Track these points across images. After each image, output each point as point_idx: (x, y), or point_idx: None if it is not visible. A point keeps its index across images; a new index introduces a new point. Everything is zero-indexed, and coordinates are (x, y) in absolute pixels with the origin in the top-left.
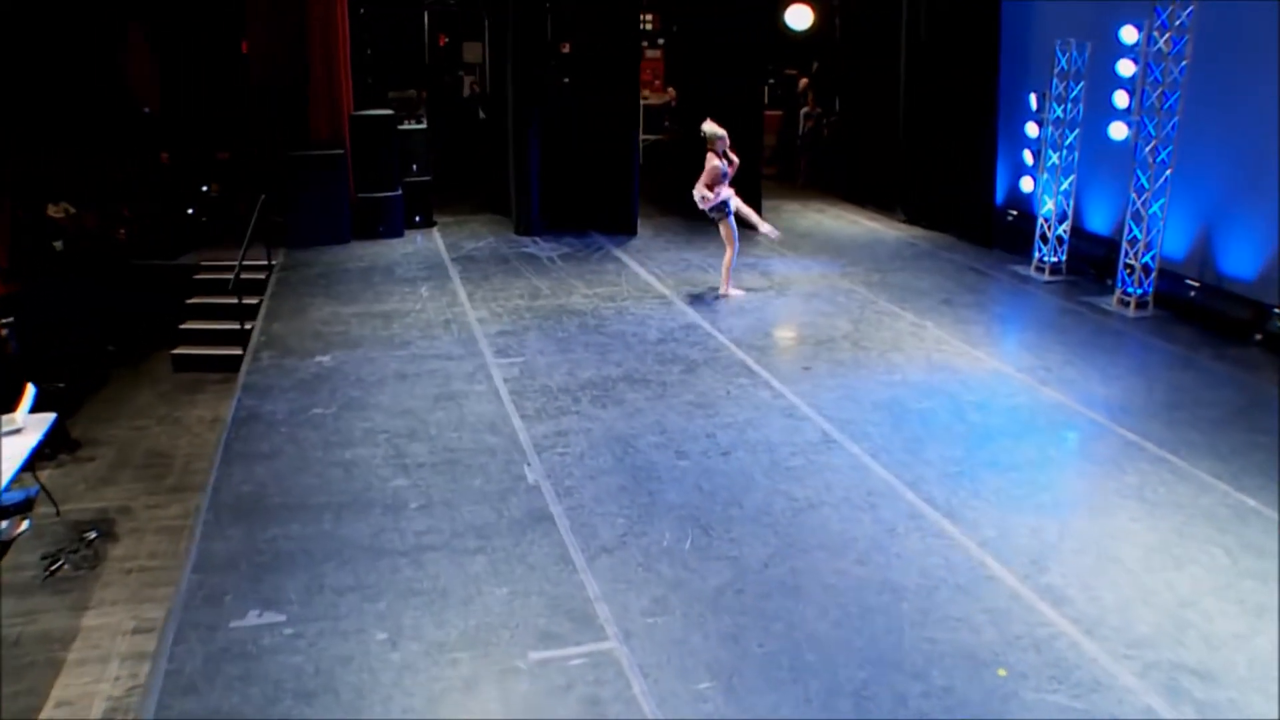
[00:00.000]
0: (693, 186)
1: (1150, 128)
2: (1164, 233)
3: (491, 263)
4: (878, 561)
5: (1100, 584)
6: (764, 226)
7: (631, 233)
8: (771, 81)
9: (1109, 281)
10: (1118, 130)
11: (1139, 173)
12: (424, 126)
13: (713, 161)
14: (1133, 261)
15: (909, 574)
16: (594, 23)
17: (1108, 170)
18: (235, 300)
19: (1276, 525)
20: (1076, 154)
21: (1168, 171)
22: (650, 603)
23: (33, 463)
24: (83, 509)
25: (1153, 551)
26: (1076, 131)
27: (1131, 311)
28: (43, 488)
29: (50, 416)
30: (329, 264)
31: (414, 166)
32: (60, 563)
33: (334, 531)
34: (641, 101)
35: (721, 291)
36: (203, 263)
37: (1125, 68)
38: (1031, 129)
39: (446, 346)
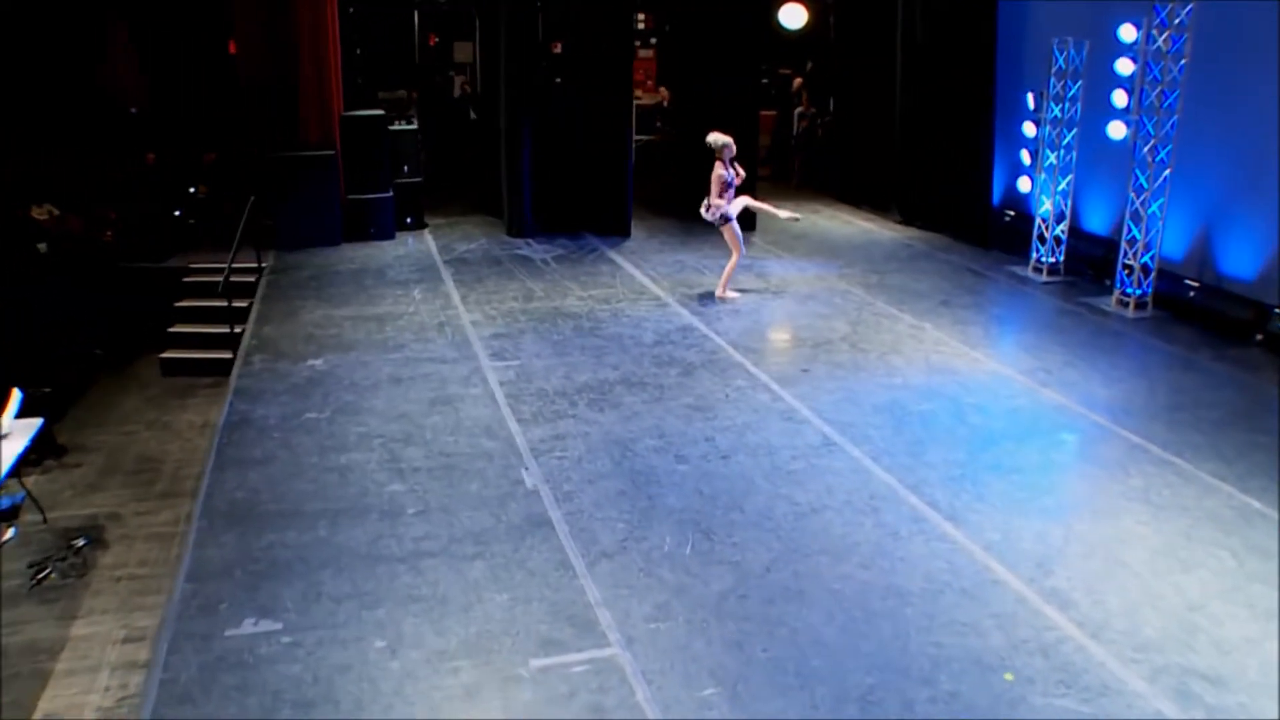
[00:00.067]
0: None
1: (1149, 127)
2: (1163, 233)
3: (484, 265)
4: (881, 566)
5: (1106, 588)
6: (784, 213)
7: (625, 234)
8: (765, 81)
9: (1107, 282)
10: (1116, 129)
11: (1138, 172)
12: (415, 127)
13: (718, 171)
14: (1132, 262)
15: (913, 578)
16: (586, 22)
17: (1106, 170)
18: (225, 303)
19: (1277, 527)
20: (1074, 154)
21: (1167, 171)
22: (652, 608)
23: (19, 469)
24: (70, 516)
25: (1159, 555)
26: (1074, 131)
27: (1131, 312)
28: (29, 494)
29: (37, 422)
30: (320, 266)
31: (405, 168)
32: (47, 571)
33: (330, 538)
34: (633, 102)
35: (718, 294)
36: (191, 265)
37: (1124, 66)
38: (1029, 128)
39: (441, 350)
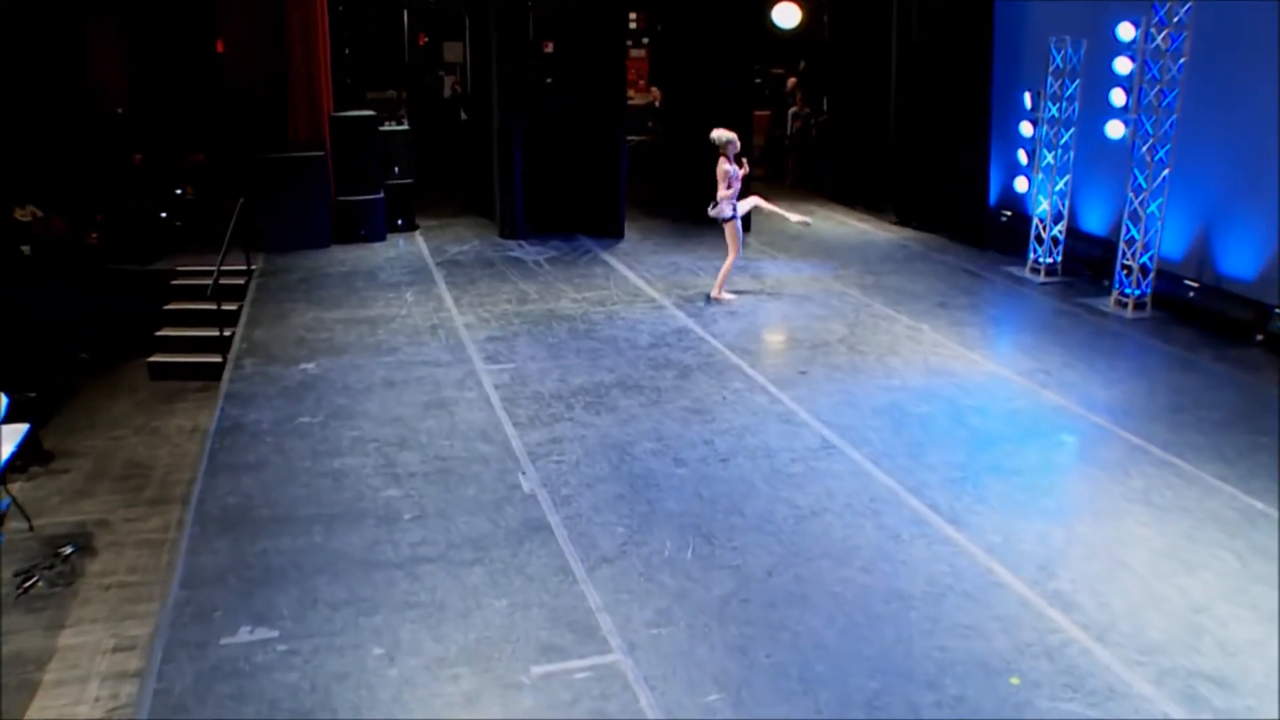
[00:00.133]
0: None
1: (1148, 126)
2: (1162, 233)
3: (477, 267)
4: (883, 569)
5: (1110, 590)
6: (795, 217)
7: (618, 236)
8: (759, 81)
9: (1105, 282)
10: (1114, 129)
11: (1136, 172)
12: (405, 128)
13: (724, 167)
14: (1130, 262)
15: (916, 581)
16: (578, 21)
17: (1104, 170)
18: (214, 306)
19: (1278, 527)
20: (1072, 153)
21: (1166, 170)
22: (654, 614)
23: (4, 475)
24: (58, 523)
25: (1162, 556)
26: (1072, 130)
27: (1129, 313)
28: (14, 501)
29: (23, 427)
30: (310, 269)
31: (395, 169)
32: (34, 580)
33: (325, 544)
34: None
35: (714, 294)
36: (179, 268)
37: (1122, 65)
38: (1026, 128)
39: (434, 353)
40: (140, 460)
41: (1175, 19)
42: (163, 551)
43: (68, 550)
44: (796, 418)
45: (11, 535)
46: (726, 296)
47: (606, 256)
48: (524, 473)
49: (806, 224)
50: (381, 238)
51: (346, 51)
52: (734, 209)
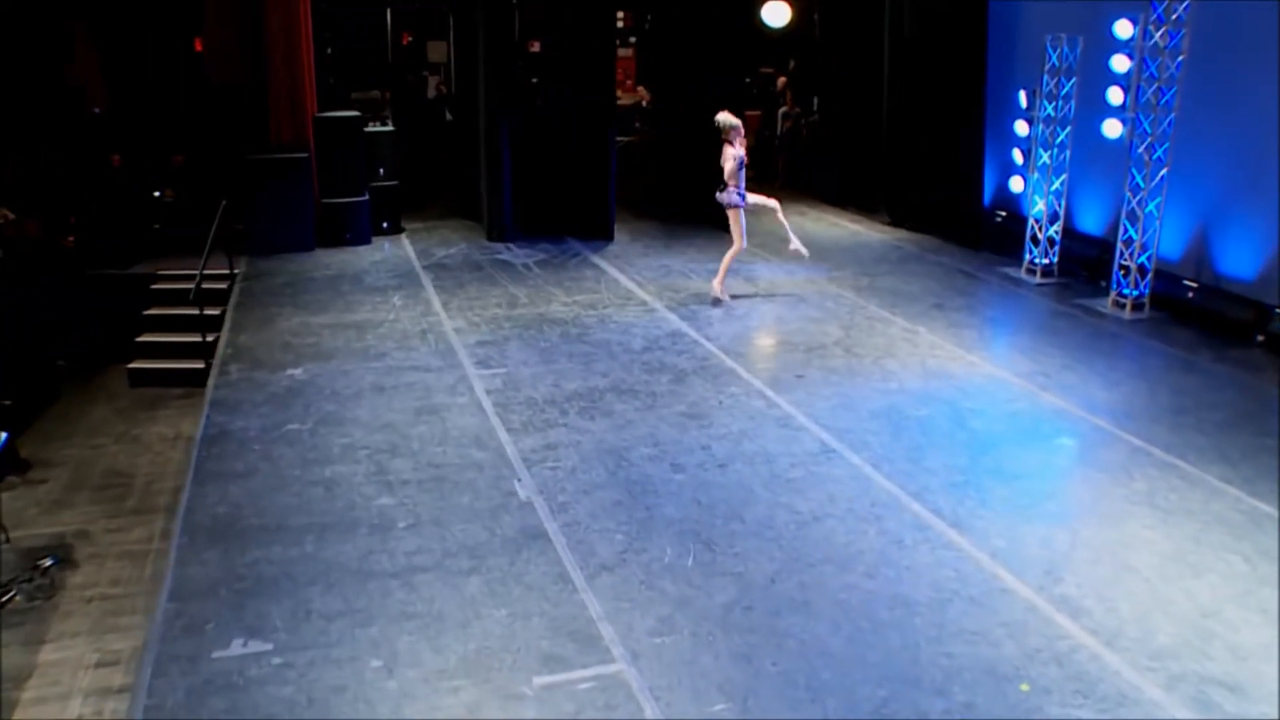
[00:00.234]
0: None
1: (1146, 125)
2: (1160, 233)
3: (465, 270)
4: (887, 575)
5: (1117, 594)
6: (794, 242)
7: (608, 238)
8: (748, 80)
9: (1102, 283)
10: (1112, 128)
11: (1134, 171)
12: (391, 129)
13: (729, 153)
14: (1128, 262)
15: (920, 587)
16: (565, 20)
17: (1101, 169)
18: (196, 311)
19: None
20: (1068, 152)
21: (1164, 170)
22: (656, 622)
23: None
24: (36, 535)
25: (1168, 560)
26: (1068, 129)
27: (1127, 314)
28: None
29: None
30: (295, 272)
31: (380, 170)
32: (12, 594)
33: (318, 553)
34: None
35: (715, 287)
36: (159, 272)
37: (1120, 63)
38: (1021, 127)
39: (424, 358)
40: (121, 469)
41: (1174, 16)
42: (146, 563)
43: (47, 563)
44: (794, 422)
45: None
46: (725, 298)
47: (596, 259)
48: (519, 480)
49: (803, 255)
50: (367, 241)
51: (329, 51)
52: (741, 196)
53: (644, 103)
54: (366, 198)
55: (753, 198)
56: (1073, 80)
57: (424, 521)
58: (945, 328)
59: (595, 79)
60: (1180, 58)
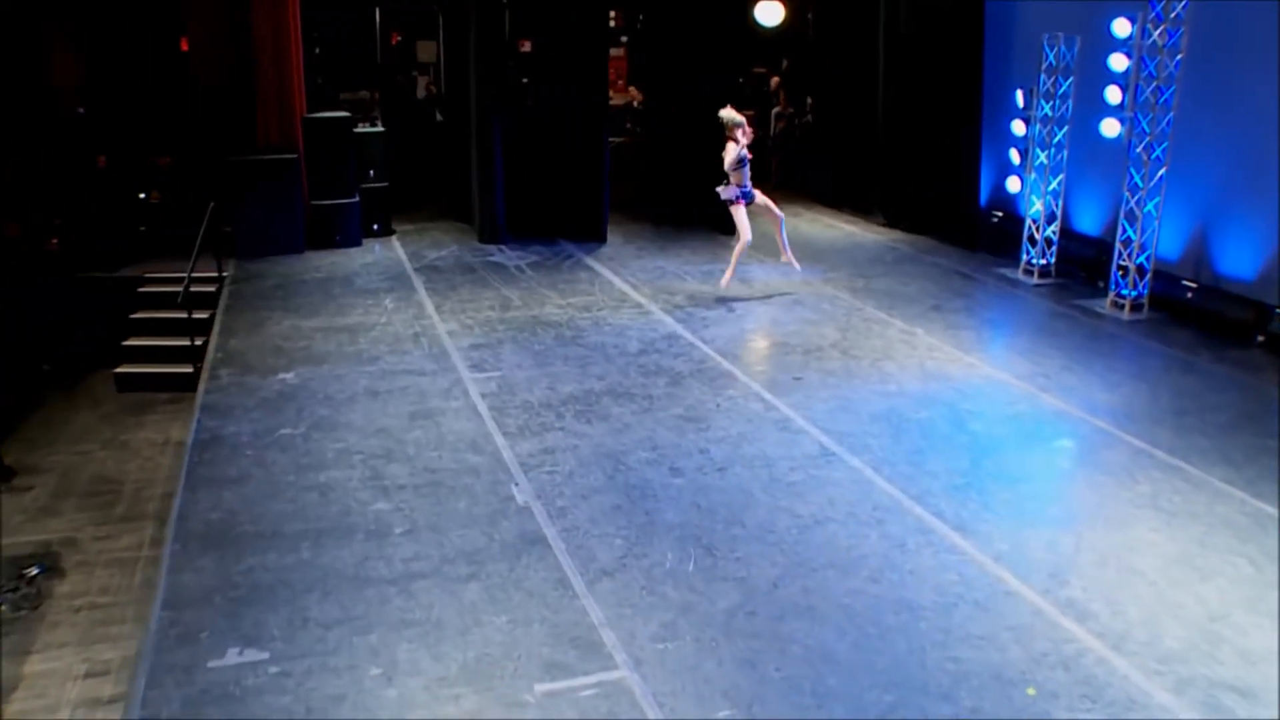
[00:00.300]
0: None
1: (1144, 124)
2: (1159, 233)
3: (457, 272)
4: (891, 579)
5: (1123, 598)
6: (787, 254)
7: (601, 240)
8: (741, 80)
9: (1100, 284)
10: (1110, 127)
11: (1132, 171)
12: (381, 129)
13: (731, 149)
14: (1127, 263)
15: (924, 591)
16: (557, 20)
17: (1098, 169)
18: (185, 315)
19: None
20: (1065, 152)
21: (1162, 169)
22: (659, 628)
23: None
24: (22, 543)
25: (1174, 563)
26: (1065, 129)
27: (1126, 314)
28: None
29: None
30: (284, 275)
31: (370, 172)
32: None
33: (314, 560)
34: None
35: (723, 283)
36: (146, 275)
37: (1118, 62)
38: (1018, 127)
39: (418, 361)
40: (109, 475)
41: (1173, 14)
42: (136, 570)
43: (33, 571)
44: (793, 425)
45: None
46: (727, 290)
47: (590, 261)
48: (517, 484)
49: (794, 268)
50: (357, 243)
51: (316, 51)
52: (743, 192)
53: (636, 103)
54: (357, 199)
55: (762, 198)
56: (1070, 79)
57: (421, 527)
58: (943, 329)
59: (588, 79)
60: (1179, 56)
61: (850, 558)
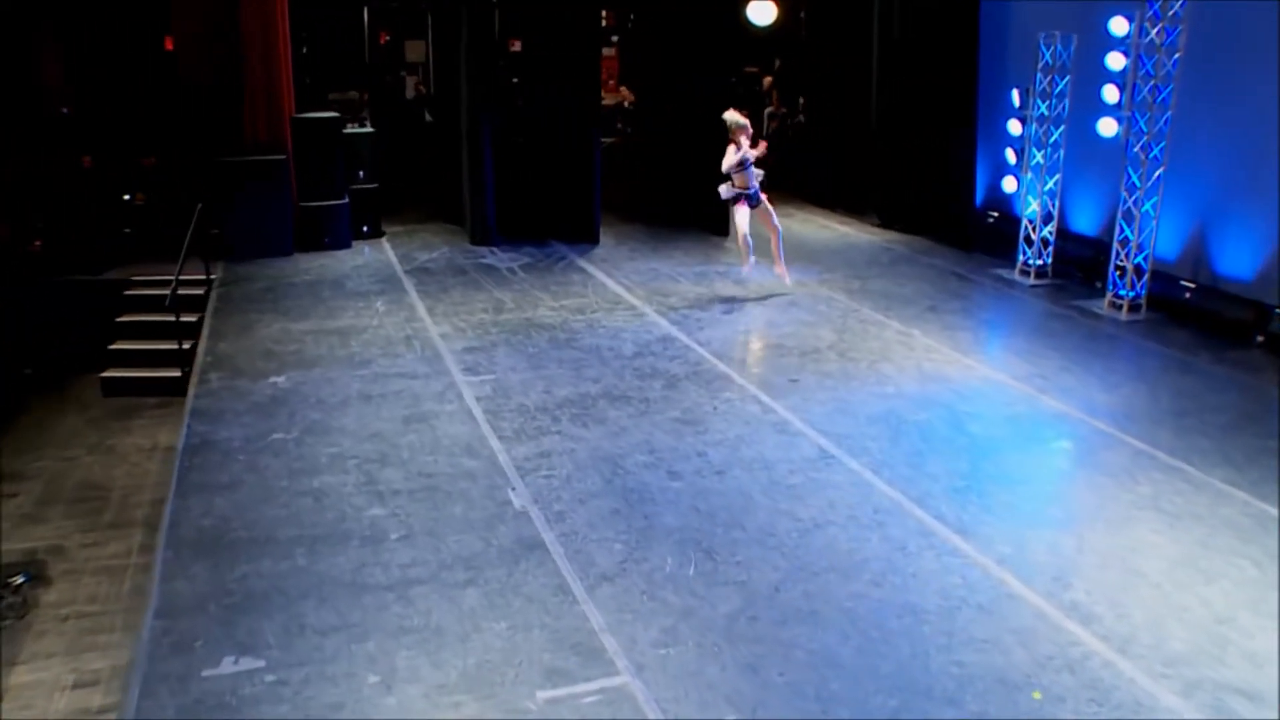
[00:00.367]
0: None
1: (1142, 123)
2: (1156, 233)
3: (448, 274)
4: (893, 582)
5: (1127, 600)
6: (780, 267)
7: (594, 241)
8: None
9: (1098, 284)
10: (1107, 126)
11: (1130, 170)
12: (371, 130)
13: (730, 150)
14: (1124, 263)
15: (927, 595)
16: (548, 19)
17: (1095, 169)
18: (172, 318)
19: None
20: (1062, 152)
21: (1160, 169)
22: (660, 633)
23: None
24: (7, 550)
25: (1178, 565)
26: (1062, 128)
27: (1124, 315)
28: None
29: None
30: (273, 278)
31: (360, 173)
32: None
33: (310, 567)
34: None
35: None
36: (133, 278)
37: (1115, 61)
38: (1014, 126)
39: (410, 364)
40: (96, 481)
41: (1171, 12)
42: (125, 578)
43: (19, 580)
44: (791, 427)
45: None
46: (786, 279)
47: (583, 263)
48: (514, 489)
49: (784, 280)
50: (347, 245)
51: (304, 51)
52: (750, 193)
53: (627, 103)
54: (346, 201)
55: (766, 206)
56: (1067, 78)
57: (417, 533)
58: (940, 330)
59: (579, 79)
60: (1177, 55)
61: (852, 561)
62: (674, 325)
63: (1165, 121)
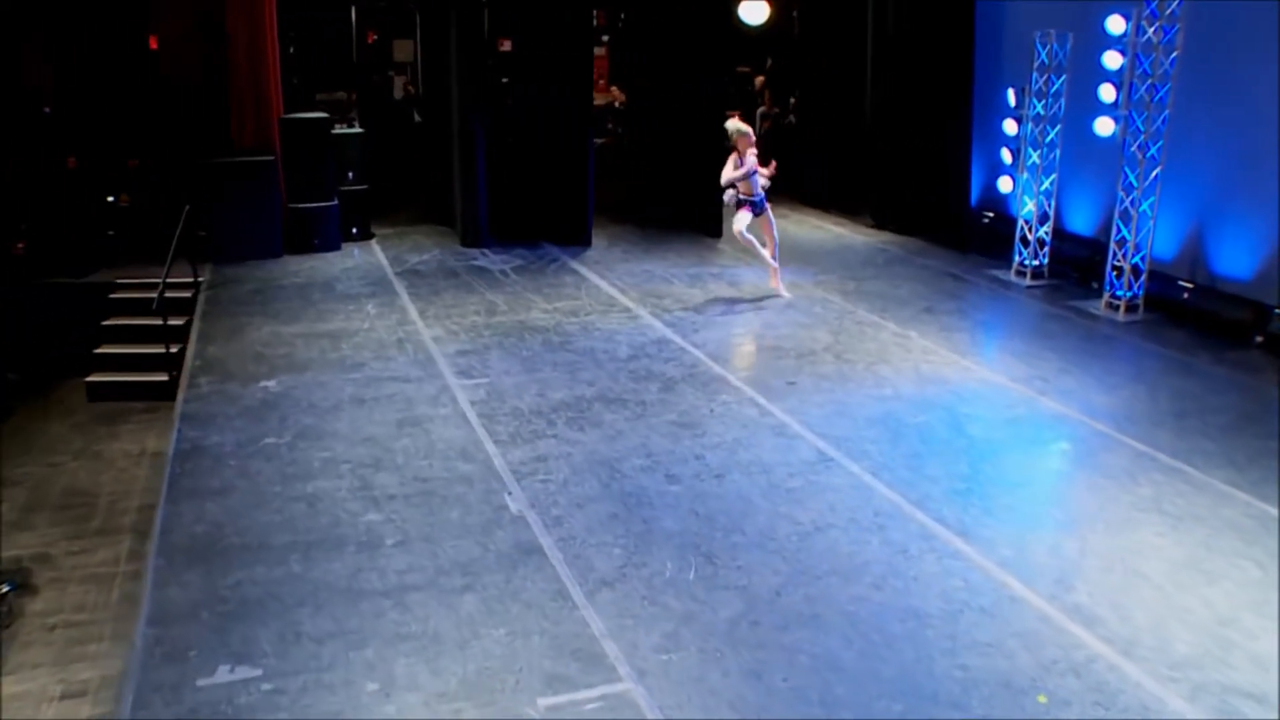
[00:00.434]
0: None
1: (1139, 123)
2: (1154, 232)
3: (440, 277)
4: (895, 586)
5: (1131, 602)
6: (774, 280)
7: (586, 243)
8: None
9: (1094, 284)
10: (1103, 126)
11: (1127, 170)
12: (360, 131)
13: (731, 159)
14: (1122, 263)
15: (929, 598)
16: (539, 18)
17: (1092, 168)
18: (159, 321)
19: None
20: (1058, 151)
21: (1157, 168)
22: (661, 638)
23: None
24: None
25: (1180, 567)
26: (1058, 128)
27: (1121, 315)
28: None
29: None
30: (262, 280)
31: (350, 174)
32: None
33: (304, 573)
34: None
35: (772, 285)
36: (118, 281)
37: (1112, 60)
38: (1010, 126)
39: (403, 368)
40: (82, 488)
41: (1168, 11)
42: (114, 586)
43: (3, 589)
44: (789, 430)
45: None
46: (782, 290)
47: (575, 265)
48: (510, 493)
49: (778, 292)
50: (336, 247)
51: (290, 50)
52: (756, 200)
53: (617, 103)
54: (335, 203)
55: (769, 216)
56: (1063, 77)
57: (413, 538)
58: (937, 332)
59: (571, 78)
60: (1174, 53)
61: (853, 564)
62: (669, 327)
63: (1163, 120)
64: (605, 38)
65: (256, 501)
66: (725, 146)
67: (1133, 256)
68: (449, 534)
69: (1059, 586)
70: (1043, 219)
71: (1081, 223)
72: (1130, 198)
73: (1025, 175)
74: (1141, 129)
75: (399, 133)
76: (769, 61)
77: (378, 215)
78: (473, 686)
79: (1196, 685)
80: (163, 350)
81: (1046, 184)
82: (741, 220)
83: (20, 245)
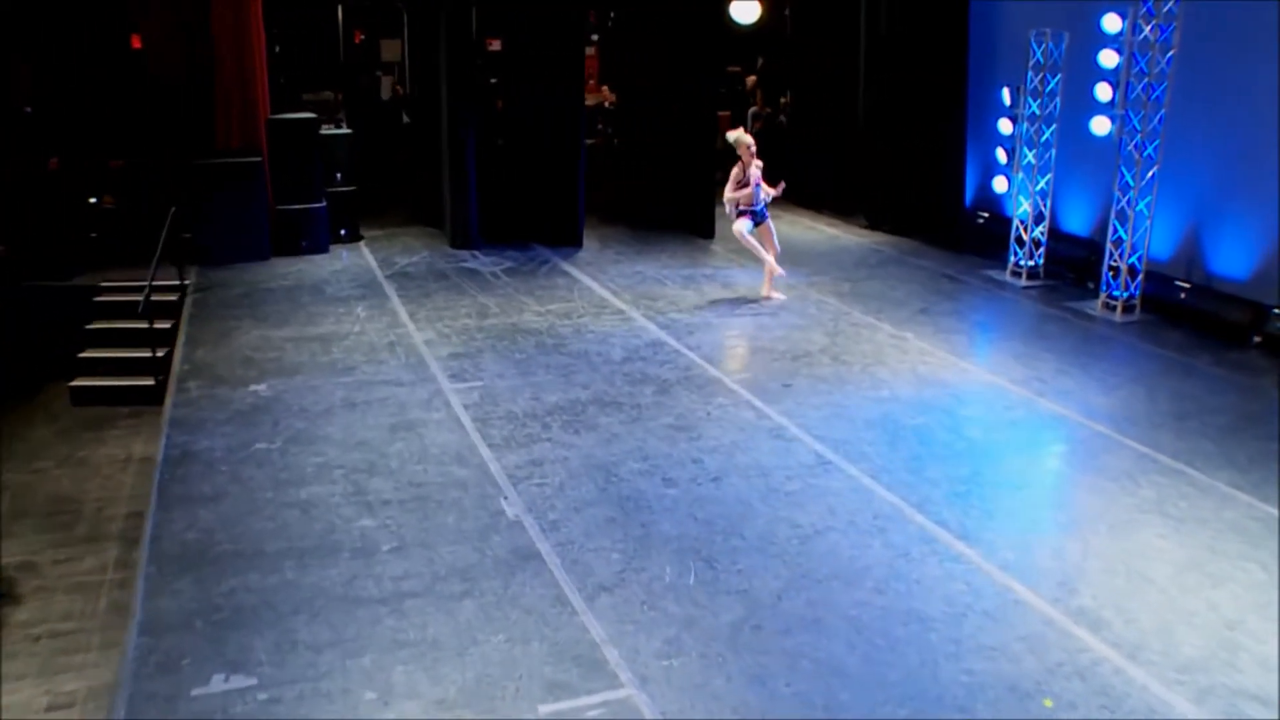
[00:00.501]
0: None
1: (1135, 122)
2: (1150, 232)
3: (430, 279)
4: (897, 590)
5: (1135, 605)
6: (767, 288)
7: (577, 245)
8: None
9: (1090, 285)
10: (1100, 125)
11: (1124, 170)
12: (348, 131)
13: (735, 171)
14: (1118, 263)
15: (932, 602)
16: (530, 17)
17: (1088, 168)
18: (145, 325)
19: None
20: (1053, 151)
21: (1154, 168)
22: (662, 644)
23: None
24: None
25: (1185, 569)
26: (1053, 127)
27: (1118, 316)
28: None
29: None
30: (250, 283)
31: (338, 175)
32: None
33: (299, 580)
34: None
35: (764, 293)
36: (102, 284)
37: (1108, 58)
38: (1005, 125)
39: (395, 371)
40: (67, 494)
41: (1165, 9)
42: (101, 595)
43: None
44: (787, 433)
45: None
46: (774, 295)
47: (567, 266)
48: (506, 498)
49: (770, 298)
50: (324, 249)
51: (276, 50)
52: (757, 211)
53: (608, 103)
54: (324, 204)
55: (770, 227)
56: (1058, 76)
57: (409, 544)
58: (933, 333)
59: (562, 78)
60: (1171, 52)
61: (854, 568)
62: (663, 330)
63: (1159, 120)
64: (595, 37)
65: (249, 508)
66: (718, 149)
67: (1129, 256)
68: (445, 539)
69: (1062, 589)
70: (1038, 219)
71: (1077, 223)
72: (1127, 197)
73: (1020, 175)
74: (1138, 128)
75: (388, 134)
76: (760, 61)
77: (366, 217)
78: (472, 694)
79: (1203, 688)
80: (149, 354)
81: (1042, 184)
82: (744, 223)
83: (2, 248)
